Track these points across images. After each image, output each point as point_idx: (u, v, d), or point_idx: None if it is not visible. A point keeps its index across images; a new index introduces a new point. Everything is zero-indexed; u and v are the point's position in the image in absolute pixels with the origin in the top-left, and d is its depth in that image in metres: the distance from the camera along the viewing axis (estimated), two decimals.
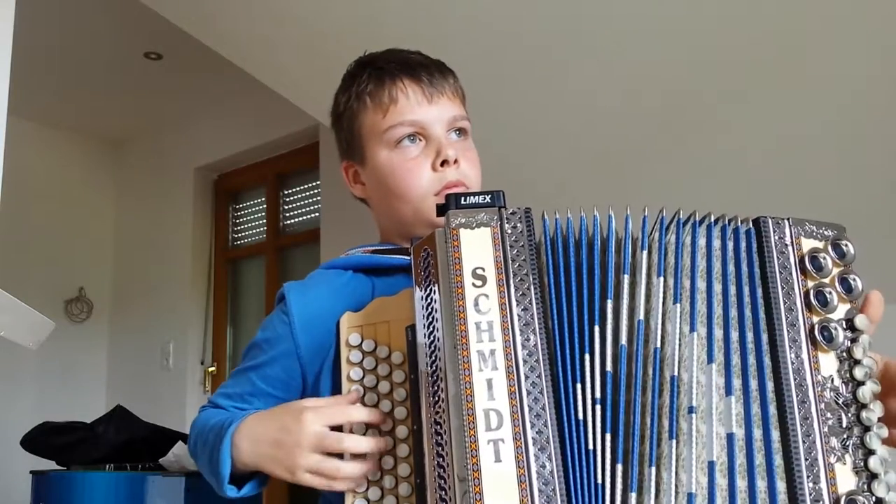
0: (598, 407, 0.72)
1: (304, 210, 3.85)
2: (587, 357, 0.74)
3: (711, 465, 0.71)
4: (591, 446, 0.71)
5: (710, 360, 0.74)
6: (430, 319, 0.76)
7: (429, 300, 0.77)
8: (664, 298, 0.76)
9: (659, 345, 0.74)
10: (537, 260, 0.77)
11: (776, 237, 0.79)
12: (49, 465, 2.94)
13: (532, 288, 0.75)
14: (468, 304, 0.73)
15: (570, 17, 1.93)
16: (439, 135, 0.98)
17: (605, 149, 2.18)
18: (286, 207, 3.94)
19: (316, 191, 3.70)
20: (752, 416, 0.73)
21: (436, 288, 0.76)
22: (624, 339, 0.75)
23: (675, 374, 0.74)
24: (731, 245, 0.79)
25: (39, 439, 2.89)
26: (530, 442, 0.70)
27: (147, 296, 4.12)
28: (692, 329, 0.75)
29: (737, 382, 0.74)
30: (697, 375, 0.74)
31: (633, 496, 0.70)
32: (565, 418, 0.72)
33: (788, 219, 0.80)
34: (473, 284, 0.74)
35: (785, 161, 2.00)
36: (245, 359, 1.01)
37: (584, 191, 2.17)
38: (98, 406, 3.90)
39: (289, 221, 3.92)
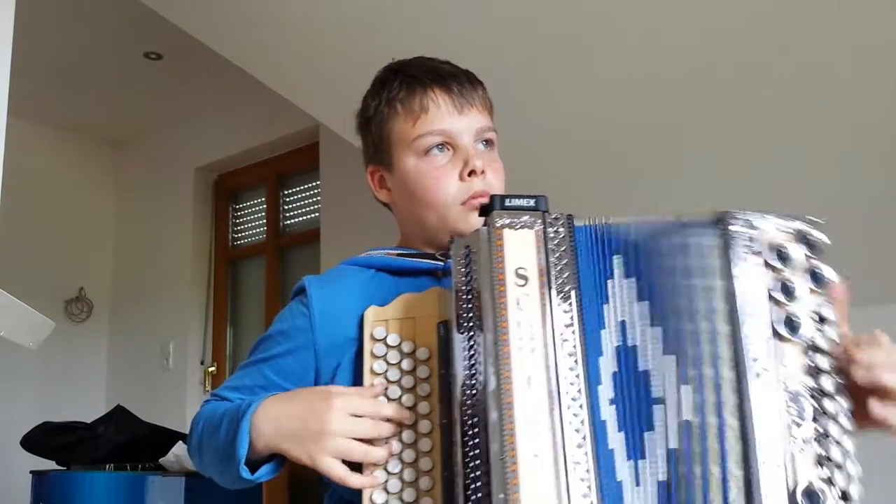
0: (612, 407, 0.76)
1: (304, 210, 3.85)
2: (601, 359, 0.77)
3: (671, 452, 0.74)
4: (610, 445, 0.75)
5: (667, 351, 0.77)
6: (470, 315, 0.78)
7: (469, 296, 0.78)
8: (630, 298, 0.79)
9: (638, 343, 0.78)
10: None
11: (741, 230, 0.80)
12: (49, 464, 2.94)
13: (573, 291, 0.77)
14: (510, 302, 0.75)
15: (574, 16, 1.93)
16: (467, 145, 1.00)
17: (605, 151, 2.18)
18: (286, 207, 3.94)
19: (316, 191, 3.70)
20: (706, 403, 0.75)
21: (477, 284, 0.77)
22: (617, 340, 0.78)
23: (647, 368, 0.77)
24: (693, 240, 0.80)
25: (39, 439, 2.89)
26: (568, 439, 0.72)
27: (147, 296, 4.12)
28: (652, 324, 0.78)
29: (691, 372, 0.76)
30: (660, 367, 0.77)
31: (638, 490, 0.74)
32: (594, 417, 0.75)
33: (755, 212, 0.81)
34: (516, 284, 0.76)
35: (785, 161, 2.00)
36: (255, 352, 1.00)
37: (583, 192, 2.17)
38: (98, 406, 3.90)
39: (289, 221, 3.92)
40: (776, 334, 0.77)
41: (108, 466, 2.79)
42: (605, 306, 0.79)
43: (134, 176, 4.40)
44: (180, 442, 2.90)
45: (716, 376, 0.76)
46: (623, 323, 0.79)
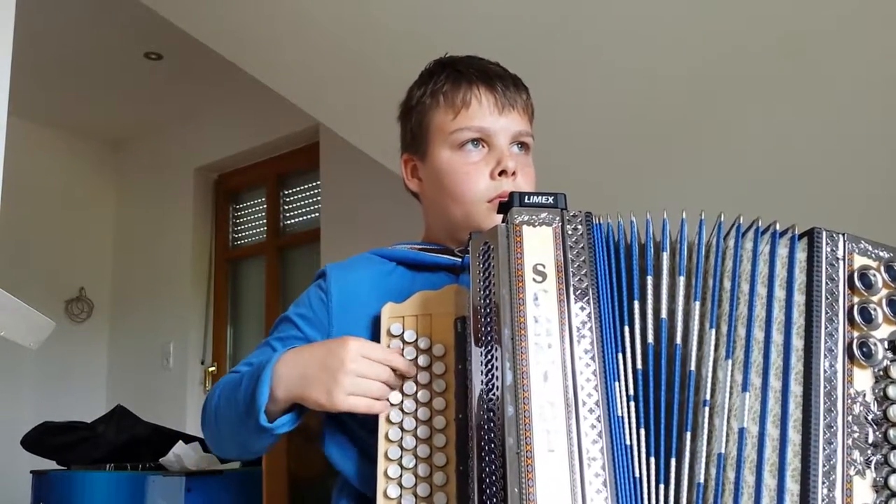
0: (632, 404, 0.76)
1: (304, 210, 3.85)
2: (620, 356, 0.78)
3: (720, 457, 0.74)
4: (627, 441, 0.75)
5: (727, 356, 0.77)
6: (488, 311, 0.78)
7: (487, 291, 0.79)
8: (686, 297, 0.79)
9: (680, 342, 0.78)
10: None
11: (828, 249, 0.80)
12: (49, 464, 2.94)
13: (591, 288, 0.78)
14: (528, 298, 0.76)
15: (568, 18, 1.93)
16: (502, 145, 1.01)
17: (605, 150, 2.18)
18: (286, 207, 3.94)
19: (316, 191, 3.70)
20: (769, 413, 0.75)
21: (495, 280, 0.78)
22: (651, 338, 0.78)
23: (693, 369, 0.77)
24: (771, 249, 0.80)
25: (39, 439, 2.89)
26: (583, 435, 0.72)
27: (147, 296, 4.12)
28: (711, 326, 0.78)
29: (756, 380, 0.76)
30: (716, 371, 0.77)
31: (661, 488, 0.74)
32: (610, 414, 0.75)
33: (844, 234, 0.81)
34: (534, 280, 0.77)
35: (785, 161, 2.00)
36: (273, 331, 1.02)
37: (588, 187, 2.17)
38: (98, 406, 3.90)
39: (289, 221, 3.92)
40: (850, 356, 0.77)
41: (108, 466, 2.78)
42: (635, 303, 0.79)
43: (134, 176, 4.40)
44: (181, 441, 2.90)
45: (784, 389, 0.75)
46: (664, 321, 0.79)
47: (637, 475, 0.74)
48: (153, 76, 3.69)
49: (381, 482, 0.83)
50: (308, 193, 3.83)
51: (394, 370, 0.85)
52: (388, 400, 0.85)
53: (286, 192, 3.94)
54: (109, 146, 4.46)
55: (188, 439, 2.73)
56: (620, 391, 0.76)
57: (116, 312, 4.29)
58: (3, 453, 3.41)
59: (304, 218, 3.83)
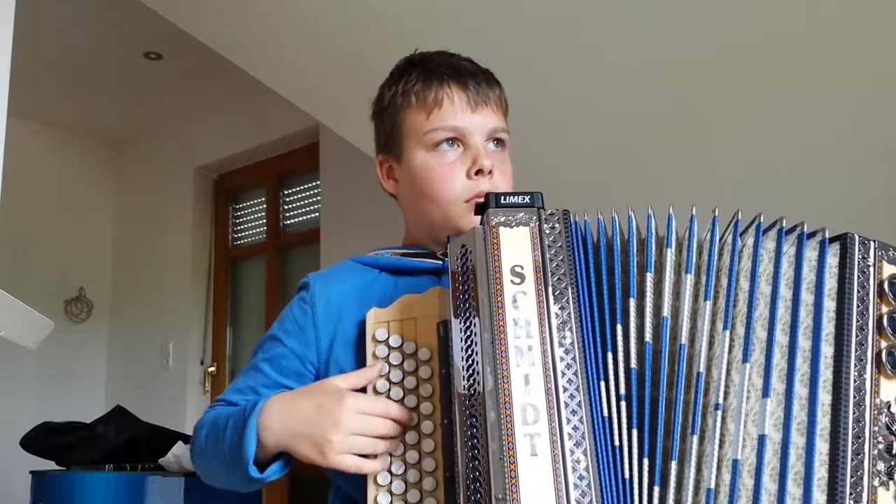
0: (622, 403, 0.74)
1: (304, 210, 3.85)
2: (609, 355, 0.76)
3: (736, 463, 0.72)
4: (616, 442, 0.73)
5: (745, 359, 0.75)
6: (468, 315, 0.77)
7: (466, 295, 0.77)
8: (694, 296, 0.77)
9: (686, 342, 0.76)
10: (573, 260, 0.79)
11: (860, 256, 0.78)
12: (49, 465, 2.94)
13: (570, 288, 0.76)
14: (507, 301, 0.75)
15: (571, 18, 1.93)
16: (478, 144, 0.99)
17: (600, 151, 2.18)
18: (286, 207, 3.94)
19: (316, 191, 3.70)
20: (793, 420, 0.73)
21: (474, 283, 0.77)
22: (649, 337, 0.76)
23: (701, 370, 0.75)
24: (794, 251, 0.78)
25: (39, 439, 2.89)
26: (566, 437, 0.71)
27: (147, 296, 4.12)
28: (725, 327, 0.76)
29: (780, 386, 0.74)
30: (731, 374, 0.75)
31: (656, 490, 0.72)
32: (594, 415, 0.74)
33: (875, 241, 0.80)
34: (512, 282, 0.76)
35: (784, 161, 2.00)
36: (258, 352, 1.00)
37: (592, 187, 2.17)
38: (98, 406, 3.90)
39: (289, 221, 3.92)
40: (878, 365, 0.76)
41: (107, 466, 2.79)
42: (630, 300, 0.77)
43: (134, 176, 4.40)
44: (180, 442, 2.90)
45: (811, 396, 0.74)
46: (666, 320, 0.77)
47: (626, 476, 0.72)
48: (153, 76, 3.69)
49: (371, 489, 0.82)
50: (308, 193, 3.82)
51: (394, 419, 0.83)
52: (385, 455, 0.82)
53: (286, 192, 3.94)
54: (109, 146, 4.46)
55: (187, 440, 2.73)
56: (609, 391, 0.74)
57: (116, 312, 4.29)
58: (2, 453, 3.41)
59: (304, 218, 3.83)
